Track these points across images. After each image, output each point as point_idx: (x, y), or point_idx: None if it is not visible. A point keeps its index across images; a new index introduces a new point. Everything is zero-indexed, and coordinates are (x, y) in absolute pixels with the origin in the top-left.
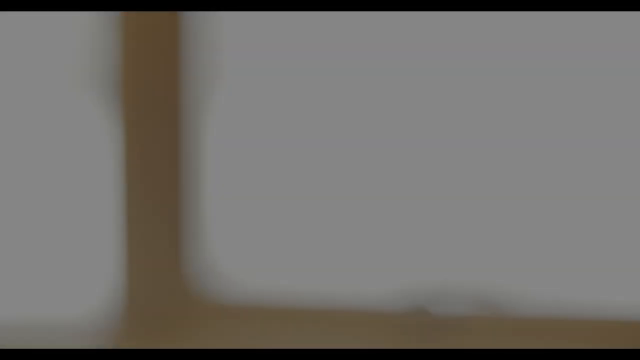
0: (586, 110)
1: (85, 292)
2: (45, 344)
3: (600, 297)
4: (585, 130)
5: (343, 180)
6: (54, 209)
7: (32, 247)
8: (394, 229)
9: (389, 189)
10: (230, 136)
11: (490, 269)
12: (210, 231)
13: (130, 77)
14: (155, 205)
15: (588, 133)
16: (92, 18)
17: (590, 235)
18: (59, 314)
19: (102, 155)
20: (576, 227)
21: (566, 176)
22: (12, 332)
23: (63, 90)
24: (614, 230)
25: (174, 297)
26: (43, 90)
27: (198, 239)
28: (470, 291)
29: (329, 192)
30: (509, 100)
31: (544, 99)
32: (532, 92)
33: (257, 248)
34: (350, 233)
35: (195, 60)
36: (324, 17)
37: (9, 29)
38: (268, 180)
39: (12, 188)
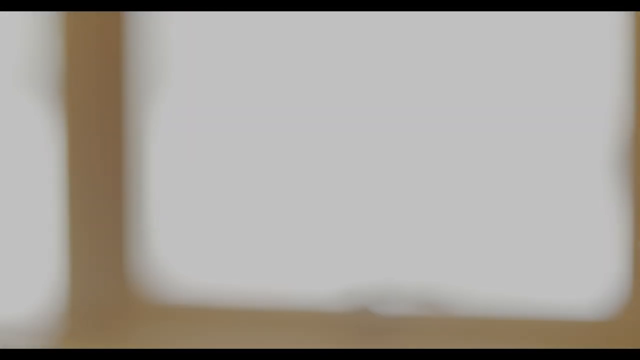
0: (518, 110)
1: (28, 292)
2: None
3: (540, 298)
4: (515, 132)
5: (286, 182)
6: None
7: None
8: (337, 231)
9: (331, 191)
10: (174, 137)
11: (433, 270)
12: (153, 232)
13: (73, 77)
14: (98, 206)
15: (518, 134)
16: (34, 18)
17: (529, 237)
18: (2, 315)
19: (44, 156)
20: (515, 229)
21: (508, 181)
22: None
23: (5, 90)
24: (550, 233)
25: (116, 297)
26: None
27: (141, 240)
28: (412, 292)
29: (273, 194)
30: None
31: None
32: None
33: (200, 249)
34: (293, 235)
35: (138, 60)
36: (267, 16)
37: None
38: (211, 182)
39: None
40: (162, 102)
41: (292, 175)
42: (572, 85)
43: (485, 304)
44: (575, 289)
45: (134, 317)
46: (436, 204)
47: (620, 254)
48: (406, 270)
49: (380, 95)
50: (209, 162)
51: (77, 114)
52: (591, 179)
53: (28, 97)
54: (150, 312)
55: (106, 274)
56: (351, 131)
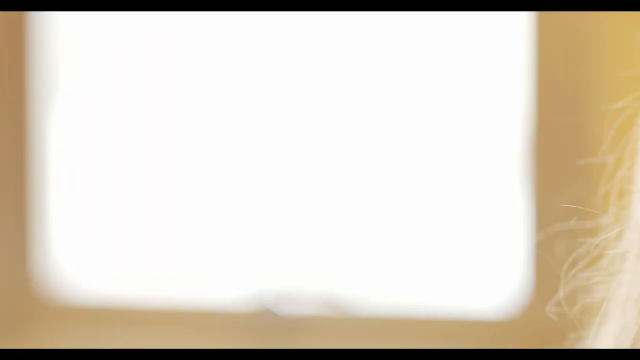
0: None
1: None
2: None
3: (442, 298)
4: (413, 131)
5: (188, 183)
6: None
7: None
8: (239, 232)
9: (232, 191)
10: (75, 138)
11: (336, 269)
12: (54, 232)
13: None
14: None
15: (416, 134)
16: None
17: (432, 237)
18: None
19: None
20: (418, 229)
21: (411, 180)
22: None
23: None
24: (453, 233)
25: (17, 298)
26: None
27: (42, 240)
28: (315, 292)
29: (176, 194)
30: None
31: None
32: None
33: (102, 249)
34: (195, 235)
35: (39, 61)
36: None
37: None
38: (114, 182)
39: None
40: (63, 103)
41: (194, 176)
42: (475, 86)
43: (388, 304)
44: (478, 289)
45: (34, 317)
46: (340, 203)
47: (522, 254)
48: (309, 270)
49: (269, 93)
50: (111, 162)
51: None
52: (494, 180)
53: None
54: (51, 313)
55: (7, 275)
56: (249, 133)
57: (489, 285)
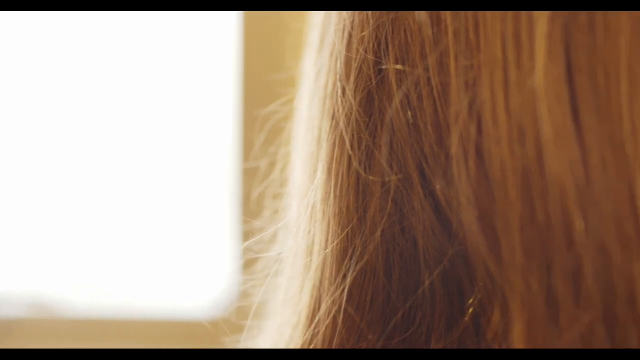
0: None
1: None
2: None
3: (150, 298)
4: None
5: None
6: None
7: None
8: None
9: None
10: None
11: (43, 271)
12: None
13: None
14: None
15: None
16: None
17: (141, 238)
18: None
19: None
20: (126, 230)
21: (122, 182)
22: None
23: None
24: (162, 234)
25: None
26: None
27: None
28: (22, 295)
29: None
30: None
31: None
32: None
33: None
34: None
35: None
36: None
37: None
38: None
39: None
40: None
41: None
42: (184, 88)
43: (96, 305)
44: (185, 289)
45: None
46: (50, 204)
47: (228, 255)
48: (16, 272)
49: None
50: None
51: None
52: (203, 182)
53: None
54: None
55: None
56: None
57: (196, 286)
